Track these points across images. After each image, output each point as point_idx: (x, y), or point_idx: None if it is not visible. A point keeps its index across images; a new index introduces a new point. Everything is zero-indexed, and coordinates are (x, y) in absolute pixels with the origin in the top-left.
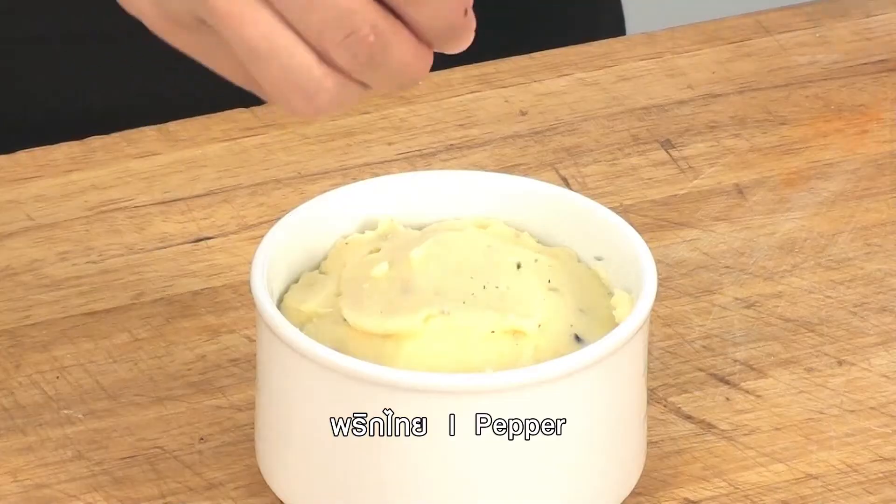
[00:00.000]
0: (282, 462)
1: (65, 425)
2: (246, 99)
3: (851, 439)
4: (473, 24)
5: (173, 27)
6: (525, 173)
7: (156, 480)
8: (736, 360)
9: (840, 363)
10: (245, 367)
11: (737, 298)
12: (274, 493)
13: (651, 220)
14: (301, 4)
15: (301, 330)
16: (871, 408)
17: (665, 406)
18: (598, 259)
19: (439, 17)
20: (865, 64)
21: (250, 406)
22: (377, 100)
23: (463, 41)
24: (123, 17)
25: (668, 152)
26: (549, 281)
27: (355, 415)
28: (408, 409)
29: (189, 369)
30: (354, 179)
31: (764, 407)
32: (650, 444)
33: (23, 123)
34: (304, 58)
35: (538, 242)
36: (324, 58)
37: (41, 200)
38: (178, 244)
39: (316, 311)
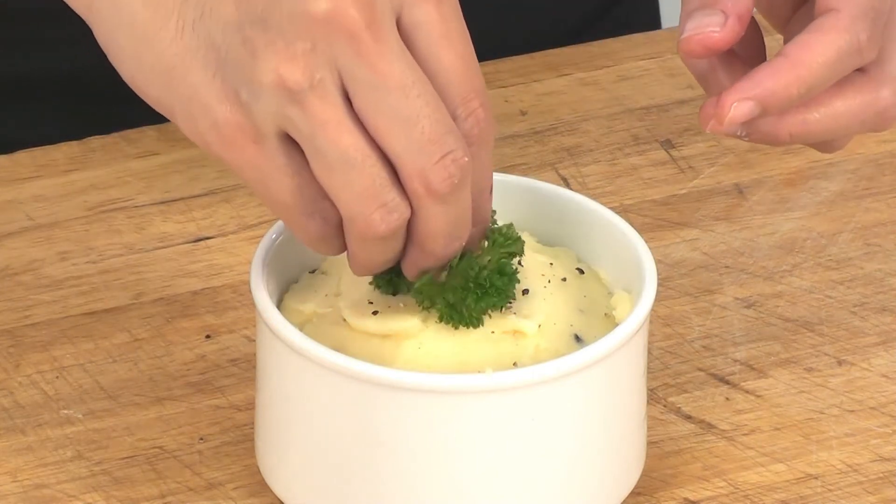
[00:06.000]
0: (282, 462)
1: (64, 425)
2: None
3: (851, 439)
4: (488, 223)
5: (242, 138)
6: (525, 173)
7: (155, 480)
8: (736, 360)
9: (840, 363)
10: (245, 367)
11: (737, 298)
12: (274, 493)
13: (651, 220)
14: (407, 117)
15: (301, 330)
16: (871, 408)
17: (665, 406)
18: (598, 259)
19: (477, 178)
20: None
21: (250, 406)
22: None
23: (477, 227)
24: None
25: (668, 152)
26: (549, 281)
27: (355, 415)
28: (408, 409)
29: (189, 369)
30: None
31: (764, 407)
32: (650, 444)
33: (23, 126)
34: (389, 174)
35: (538, 242)
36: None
37: (41, 200)
38: (178, 244)
39: (316, 311)
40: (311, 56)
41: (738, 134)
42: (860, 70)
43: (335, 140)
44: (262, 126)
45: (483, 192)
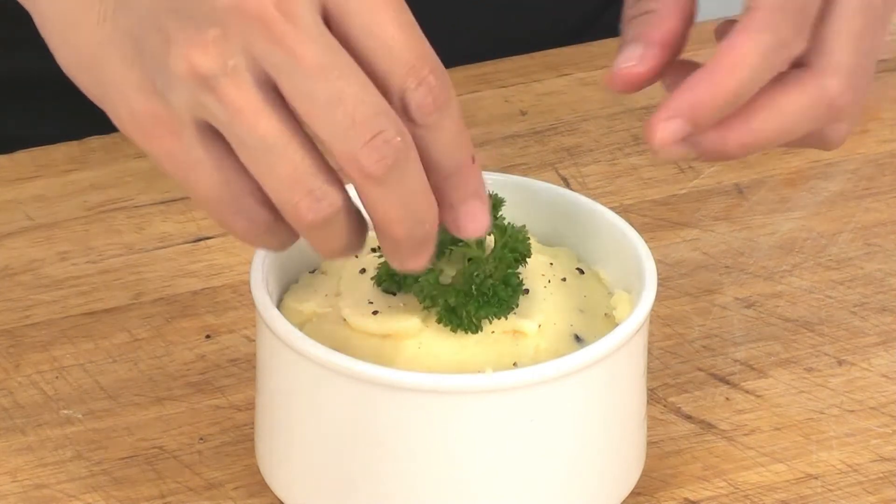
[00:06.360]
0: (282, 462)
1: (64, 425)
2: None
3: (851, 439)
4: (484, 196)
5: (159, 129)
6: (525, 173)
7: (155, 480)
8: (736, 360)
9: (840, 363)
10: (245, 367)
11: (737, 298)
12: (274, 493)
13: (651, 220)
14: (328, 99)
15: (301, 330)
16: (871, 408)
17: (665, 406)
18: (598, 259)
19: (448, 149)
20: None
21: (250, 406)
22: None
23: (472, 202)
24: None
25: None
26: (549, 281)
27: (355, 414)
28: (408, 409)
29: (189, 369)
30: None
31: (764, 407)
32: (650, 444)
33: (23, 126)
34: (315, 159)
35: (538, 242)
36: (337, 167)
37: (41, 200)
38: (178, 244)
39: (316, 311)
40: (222, 42)
41: (688, 157)
42: (802, 65)
43: (253, 126)
44: (178, 115)
45: (460, 166)
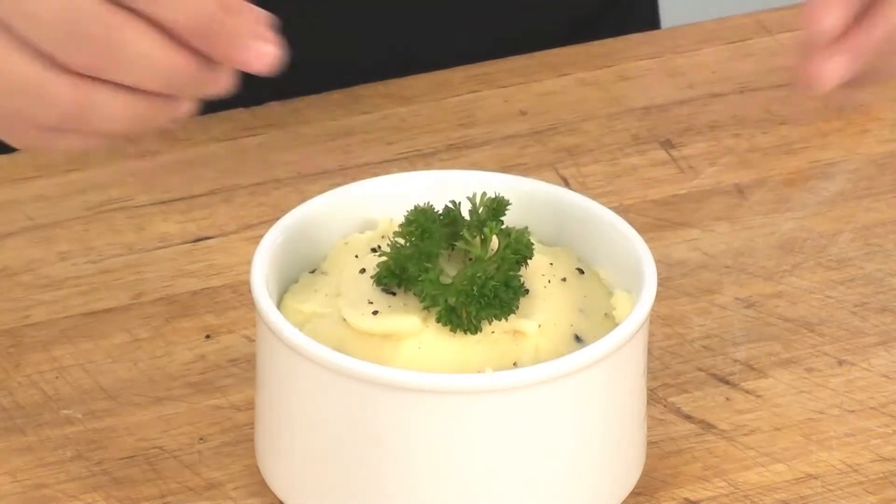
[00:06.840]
0: (282, 462)
1: (64, 425)
2: (246, 99)
3: (851, 439)
4: (254, 29)
5: (20, 121)
6: (525, 173)
7: (155, 480)
8: (736, 360)
9: (840, 363)
10: (245, 367)
11: (737, 298)
12: (274, 493)
13: (651, 220)
14: (24, 15)
15: (301, 330)
16: (871, 408)
17: (665, 406)
18: (598, 259)
19: (176, 15)
20: None
21: (250, 406)
22: (377, 100)
23: (239, 42)
24: None
25: (668, 152)
26: (549, 281)
27: (355, 414)
28: (408, 409)
29: (189, 369)
30: (354, 179)
31: (764, 407)
32: (650, 444)
33: None
34: (30, 65)
35: (538, 242)
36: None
37: (41, 200)
38: (178, 244)
39: (316, 311)
40: None
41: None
42: None
43: None
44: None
45: (204, 22)
